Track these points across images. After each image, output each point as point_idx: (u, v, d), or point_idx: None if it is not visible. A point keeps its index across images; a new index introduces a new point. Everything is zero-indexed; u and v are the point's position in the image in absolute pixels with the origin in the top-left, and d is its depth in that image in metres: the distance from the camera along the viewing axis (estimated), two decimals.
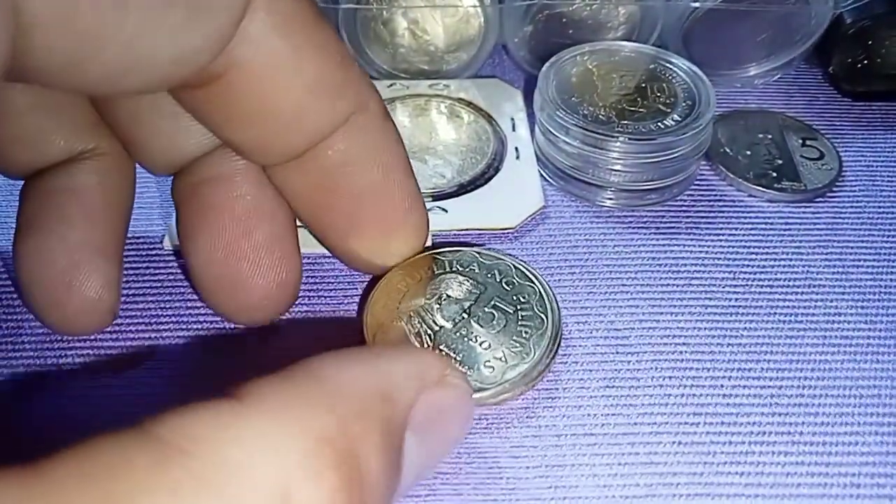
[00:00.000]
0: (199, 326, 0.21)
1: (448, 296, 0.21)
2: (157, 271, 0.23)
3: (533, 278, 0.21)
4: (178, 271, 0.23)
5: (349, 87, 0.18)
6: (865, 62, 0.29)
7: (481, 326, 0.20)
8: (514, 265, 0.21)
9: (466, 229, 0.24)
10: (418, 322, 0.20)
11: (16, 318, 0.22)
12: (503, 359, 0.19)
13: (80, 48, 0.14)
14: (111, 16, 0.14)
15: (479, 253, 0.22)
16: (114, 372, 0.20)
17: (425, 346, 0.19)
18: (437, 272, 0.21)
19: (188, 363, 0.21)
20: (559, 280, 0.23)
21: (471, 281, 0.21)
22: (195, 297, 0.22)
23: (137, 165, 0.21)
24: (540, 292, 0.21)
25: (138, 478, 0.10)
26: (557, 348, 0.20)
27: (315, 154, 0.19)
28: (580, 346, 0.21)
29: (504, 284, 0.21)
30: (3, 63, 0.13)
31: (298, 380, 0.12)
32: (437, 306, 0.20)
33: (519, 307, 0.20)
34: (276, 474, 0.11)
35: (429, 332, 0.20)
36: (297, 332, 0.21)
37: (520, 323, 0.20)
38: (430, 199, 0.24)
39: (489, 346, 0.19)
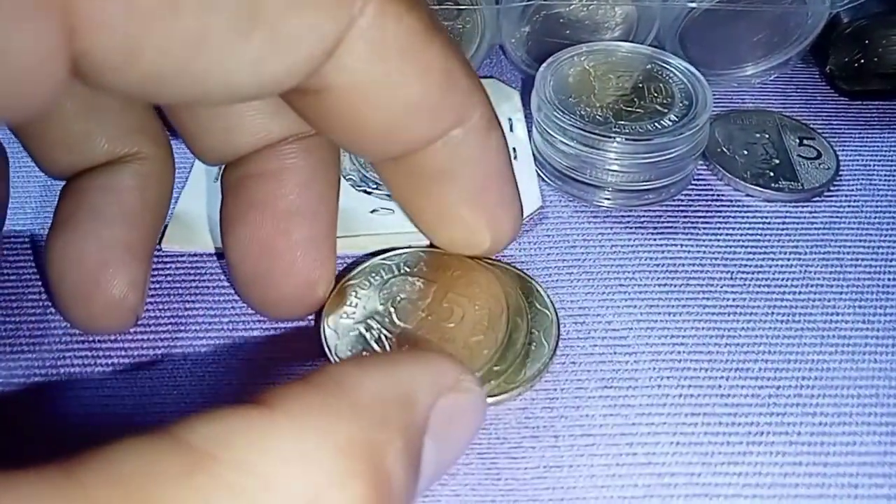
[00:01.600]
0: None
1: (402, 297, 0.21)
2: (157, 273, 0.23)
3: (482, 265, 0.21)
4: (177, 272, 0.23)
5: (449, 107, 0.18)
6: (862, 61, 0.29)
7: (441, 322, 0.20)
8: (463, 258, 0.21)
9: None
10: (377, 328, 0.20)
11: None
12: (469, 350, 0.19)
13: (146, 84, 0.14)
14: (178, 56, 0.14)
15: (424, 251, 0.22)
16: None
17: (389, 350, 0.19)
18: (385, 276, 0.21)
19: (197, 364, 0.21)
20: (557, 280, 0.23)
21: (421, 280, 0.21)
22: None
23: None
24: (490, 277, 0.21)
25: (171, 486, 0.10)
26: (523, 337, 0.20)
27: (411, 159, 0.19)
28: (578, 346, 0.21)
29: (454, 277, 0.21)
30: (53, 93, 0.13)
31: (323, 388, 0.12)
32: (394, 309, 0.20)
33: (474, 297, 0.20)
34: (304, 483, 0.11)
35: (389, 336, 0.20)
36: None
37: (477, 311, 0.20)
38: None
39: (452, 339, 0.19)
